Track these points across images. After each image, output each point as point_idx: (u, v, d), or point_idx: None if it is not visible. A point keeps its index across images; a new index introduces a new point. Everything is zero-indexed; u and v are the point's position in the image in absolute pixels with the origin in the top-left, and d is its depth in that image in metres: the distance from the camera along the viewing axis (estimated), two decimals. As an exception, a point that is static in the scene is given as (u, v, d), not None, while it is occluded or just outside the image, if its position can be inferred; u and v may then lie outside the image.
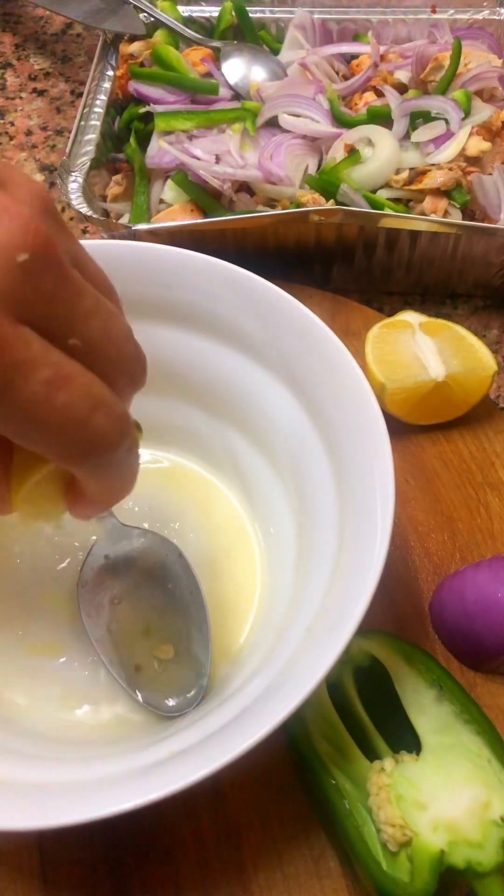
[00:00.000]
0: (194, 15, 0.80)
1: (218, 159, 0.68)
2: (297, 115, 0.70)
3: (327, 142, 0.69)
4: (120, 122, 0.74)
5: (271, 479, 0.53)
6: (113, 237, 0.66)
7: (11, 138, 0.86)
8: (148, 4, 0.78)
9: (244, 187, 0.68)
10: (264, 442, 0.53)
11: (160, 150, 0.69)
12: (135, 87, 0.73)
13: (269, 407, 0.51)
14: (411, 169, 0.67)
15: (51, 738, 0.46)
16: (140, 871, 0.44)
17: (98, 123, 0.72)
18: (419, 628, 0.52)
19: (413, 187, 0.66)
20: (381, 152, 0.66)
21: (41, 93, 0.90)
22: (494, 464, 0.58)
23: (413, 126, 0.68)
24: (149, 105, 0.72)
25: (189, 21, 0.80)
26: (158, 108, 0.71)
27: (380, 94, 0.72)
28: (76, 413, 0.26)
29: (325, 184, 0.65)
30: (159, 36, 0.77)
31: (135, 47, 0.76)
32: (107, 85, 0.75)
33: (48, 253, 0.25)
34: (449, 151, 0.66)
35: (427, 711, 0.45)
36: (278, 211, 0.65)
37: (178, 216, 0.67)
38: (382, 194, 0.66)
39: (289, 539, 0.51)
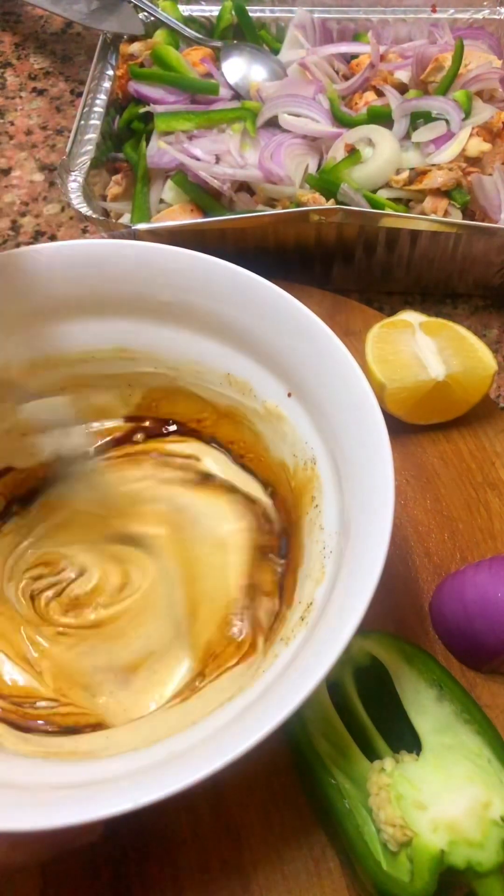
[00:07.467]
0: (194, 14, 0.80)
1: (218, 159, 0.68)
2: (297, 115, 0.70)
3: (327, 141, 0.69)
4: (120, 122, 0.74)
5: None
6: (113, 237, 0.66)
7: (11, 138, 0.86)
8: (148, 3, 0.78)
9: (244, 187, 0.68)
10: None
11: (160, 150, 0.69)
12: (135, 87, 0.73)
13: (269, 407, 0.50)
14: (412, 169, 0.67)
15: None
16: (140, 871, 0.44)
17: (98, 123, 0.72)
18: (419, 628, 0.52)
19: (413, 187, 0.66)
20: (381, 152, 0.66)
21: (41, 92, 0.90)
22: (494, 463, 0.58)
23: (413, 126, 0.68)
24: (149, 105, 0.72)
25: (189, 20, 0.80)
26: (158, 109, 0.71)
27: (380, 93, 0.72)
28: None
29: (326, 183, 0.65)
30: (159, 36, 0.77)
31: (135, 47, 0.76)
32: (107, 85, 0.75)
33: None
34: (449, 152, 0.66)
35: (427, 711, 0.45)
36: (278, 210, 0.65)
37: (178, 216, 0.67)
38: (383, 194, 0.66)
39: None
